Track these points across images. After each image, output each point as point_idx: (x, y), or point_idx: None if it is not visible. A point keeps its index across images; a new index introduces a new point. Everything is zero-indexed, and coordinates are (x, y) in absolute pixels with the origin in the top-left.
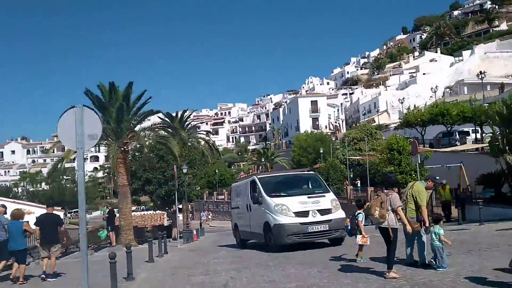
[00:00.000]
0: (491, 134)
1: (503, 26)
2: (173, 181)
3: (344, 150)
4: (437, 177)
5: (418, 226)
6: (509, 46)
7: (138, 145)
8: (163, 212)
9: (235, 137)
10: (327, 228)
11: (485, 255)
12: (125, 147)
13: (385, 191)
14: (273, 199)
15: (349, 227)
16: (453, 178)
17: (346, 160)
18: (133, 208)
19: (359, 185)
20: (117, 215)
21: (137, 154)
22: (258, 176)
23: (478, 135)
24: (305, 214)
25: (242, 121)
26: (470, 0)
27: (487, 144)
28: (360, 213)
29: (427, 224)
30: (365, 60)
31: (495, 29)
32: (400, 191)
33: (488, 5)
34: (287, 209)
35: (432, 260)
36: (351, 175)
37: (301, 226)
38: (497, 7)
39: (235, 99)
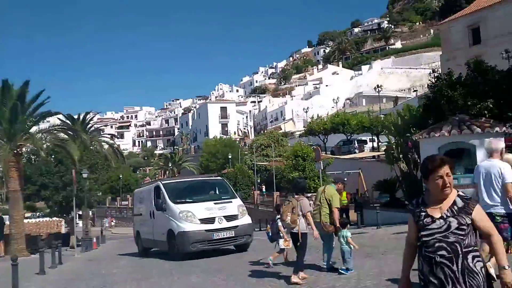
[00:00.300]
0: (386, 143)
1: (398, 45)
2: (72, 186)
3: (252, 156)
4: (345, 179)
5: (332, 229)
6: (403, 63)
7: (34, 148)
8: (60, 219)
9: (142, 141)
10: (233, 235)
11: (384, 259)
12: (18, 149)
13: (295, 196)
14: (178, 206)
15: (270, 233)
16: (352, 184)
17: (253, 166)
18: (27, 214)
19: (263, 190)
20: (7, 222)
21: (33, 157)
22: (163, 182)
23: (375, 144)
24: (211, 220)
25: (150, 125)
26: (369, 19)
27: (383, 152)
28: (279, 218)
29: (337, 224)
30: (273, 70)
31: (391, 46)
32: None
33: (385, 25)
34: (193, 216)
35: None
36: (258, 180)
37: (207, 233)
38: (392, 26)
39: (143, 102)
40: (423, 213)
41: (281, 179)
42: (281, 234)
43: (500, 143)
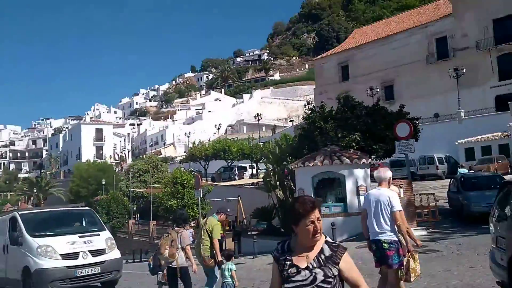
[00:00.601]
0: (265, 171)
1: (277, 76)
2: None
3: (128, 181)
4: (228, 209)
5: (212, 263)
6: (281, 94)
7: None
8: None
9: (4, 163)
10: (100, 271)
11: None
12: None
13: (175, 228)
14: (37, 240)
15: (152, 265)
16: (232, 211)
17: (129, 192)
18: None
19: (138, 218)
20: None
21: None
22: (20, 212)
23: (255, 171)
24: (74, 256)
25: (14, 145)
26: (250, 50)
27: (262, 180)
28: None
29: (219, 258)
30: (155, 92)
31: (270, 78)
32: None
33: (265, 57)
34: (53, 251)
35: None
36: (134, 208)
37: (68, 270)
38: (272, 59)
39: (7, 120)
40: (288, 262)
41: (159, 207)
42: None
43: (388, 173)
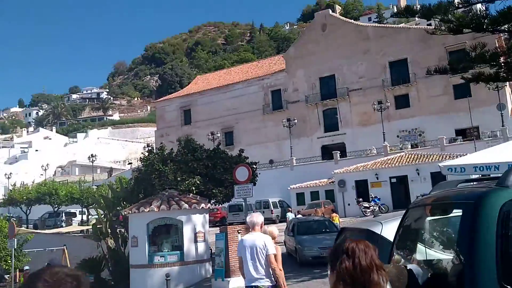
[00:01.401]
0: (96, 217)
1: (116, 116)
2: None
3: None
4: (63, 264)
5: None
6: (120, 135)
7: None
8: None
9: None
10: None
11: None
12: None
13: None
14: None
15: None
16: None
17: None
18: None
19: None
20: None
21: None
22: None
23: (85, 217)
24: None
25: None
26: (88, 87)
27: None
28: None
29: None
30: None
31: (109, 117)
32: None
33: (104, 95)
34: None
35: None
36: None
37: None
38: (112, 98)
39: None
40: None
41: None
42: None
43: (260, 217)
